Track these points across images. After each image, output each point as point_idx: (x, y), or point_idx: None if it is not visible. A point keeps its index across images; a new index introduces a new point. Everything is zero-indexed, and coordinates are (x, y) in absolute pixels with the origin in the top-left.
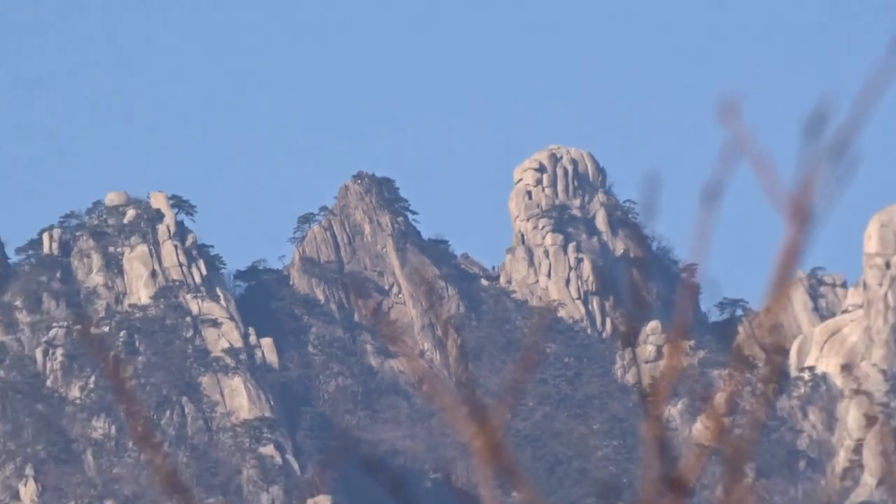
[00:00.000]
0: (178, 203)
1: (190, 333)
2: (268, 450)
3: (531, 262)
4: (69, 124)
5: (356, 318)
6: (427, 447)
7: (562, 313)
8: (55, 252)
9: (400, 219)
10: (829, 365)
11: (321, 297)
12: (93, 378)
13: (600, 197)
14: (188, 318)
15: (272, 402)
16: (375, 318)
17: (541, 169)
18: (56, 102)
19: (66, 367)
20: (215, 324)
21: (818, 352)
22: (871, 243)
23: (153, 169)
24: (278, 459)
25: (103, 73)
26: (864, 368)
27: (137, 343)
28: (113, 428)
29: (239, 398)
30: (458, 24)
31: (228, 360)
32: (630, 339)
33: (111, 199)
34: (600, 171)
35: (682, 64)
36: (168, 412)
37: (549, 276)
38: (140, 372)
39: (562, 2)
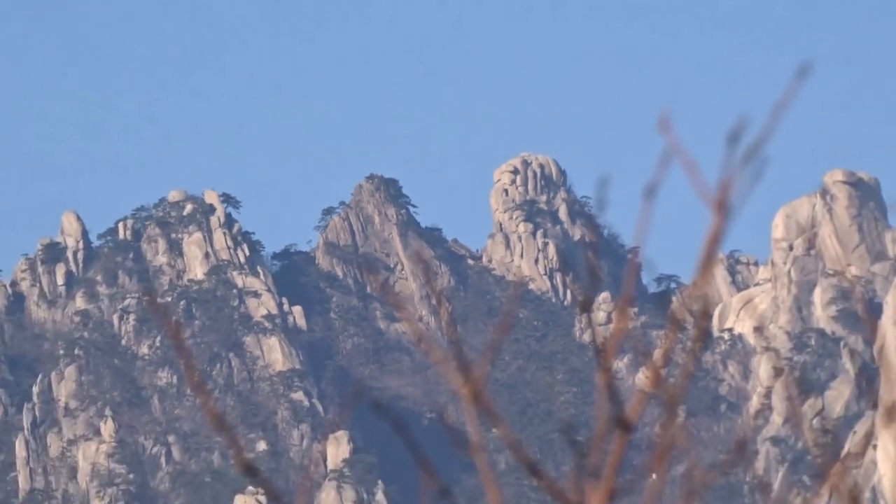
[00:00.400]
0: (227, 199)
1: (236, 303)
2: (298, 395)
3: (508, 246)
4: (139, 129)
5: (368, 290)
6: (424, 393)
7: (532, 286)
8: (129, 238)
9: (403, 211)
10: (744, 327)
11: (340, 273)
12: (158, 338)
13: (562, 194)
14: (234, 291)
15: (301, 357)
16: (383, 290)
17: (515, 171)
18: (127, 110)
19: (136, 330)
20: (256, 295)
21: (735, 316)
22: (777, 230)
23: (207, 169)
24: (306, 403)
25: (164, 85)
26: (772, 330)
27: (194, 310)
28: (174, 378)
29: (275, 354)
30: (450, 50)
31: (266, 323)
32: (586, 306)
33: (173, 196)
34: (562, 173)
35: (631, 80)
36: (218, 365)
37: (521, 256)
38: (196, 333)
39: (530, 32)
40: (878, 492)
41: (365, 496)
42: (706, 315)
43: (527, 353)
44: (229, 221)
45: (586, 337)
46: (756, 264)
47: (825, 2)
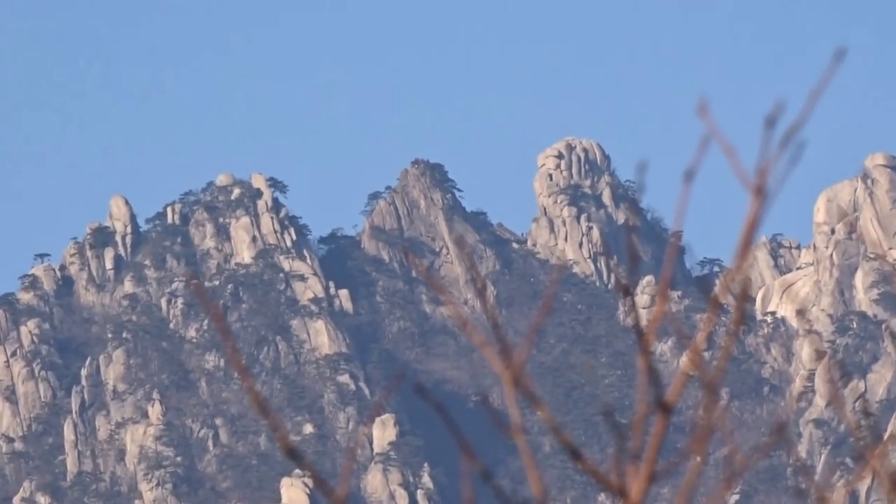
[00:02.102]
0: (274, 183)
1: (283, 286)
2: (344, 378)
3: (552, 230)
4: (188, 113)
5: (413, 273)
6: (470, 377)
7: (576, 270)
8: (177, 222)
9: (448, 195)
10: (786, 310)
11: (386, 257)
12: (205, 321)
13: (606, 178)
14: (281, 275)
15: (347, 341)
16: (428, 274)
17: (559, 156)
18: (175, 93)
19: (184, 313)
20: (303, 279)
21: (778, 300)
22: (819, 214)
23: (255, 153)
24: (352, 386)
25: (211, 68)
26: (815, 313)
27: (241, 294)
28: (221, 361)
29: (321, 337)
30: (502, 37)
31: (313, 307)
32: (628, 290)
33: (221, 180)
34: (606, 157)
35: (674, 68)
36: (265, 349)
37: (566, 240)
38: (243, 317)
39: (573, 18)
40: None
41: (411, 479)
42: (746, 298)
43: (571, 337)
44: (276, 206)
45: (629, 320)
46: (798, 248)
47: None
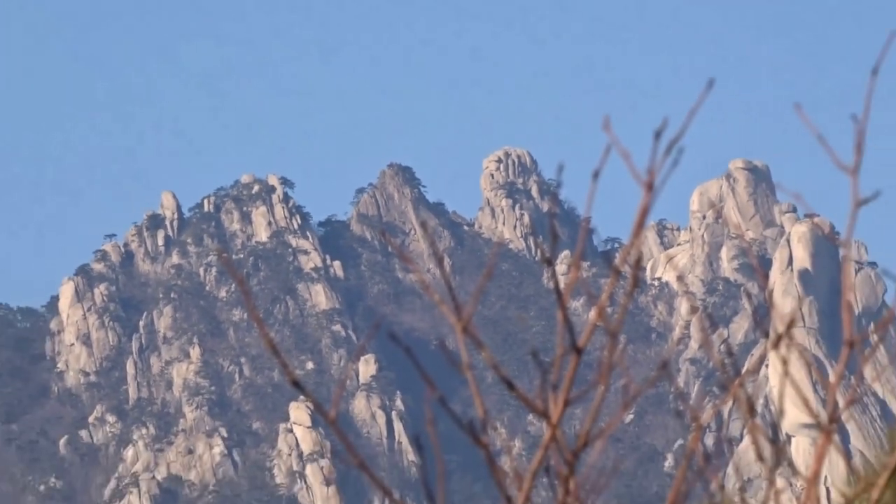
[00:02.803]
0: (284, 181)
1: (291, 258)
2: (337, 328)
3: (493, 216)
4: (217, 126)
5: (389, 249)
6: (431, 327)
7: (511, 246)
8: (211, 210)
9: (415, 190)
10: (669, 276)
11: (369, 236)
12: (232, 285)
13: (534, 178)
14: (290, 250)
15: (339, 299)
16: (400, 250)
17: (499, 160)
18: (208, 111)
19: (217, 279)
20: (306, 253)
21: (662, 268)
22: (694, 204)
23: (269, 156)
24: (343, 333)
25: (237, 90)
26: (690, 279)
27: (259, 264)
28: (244, 314)
29: (320, 297)
30: (452, 58)
31: (314, 274)
32: (550, 261)
33: (245, 178)
34: (534, 162)
35: (586, 90)
36: (278, 305)
37: (504, 224)
38: (261, 281)
39: (509, 53)
40: (768, 399)
41: (387, 403)
42: (639, 267)
43: (507, 297)
44: (286, 198)
45: (551, 284)
46: (678, 229)
47: (732, 26)
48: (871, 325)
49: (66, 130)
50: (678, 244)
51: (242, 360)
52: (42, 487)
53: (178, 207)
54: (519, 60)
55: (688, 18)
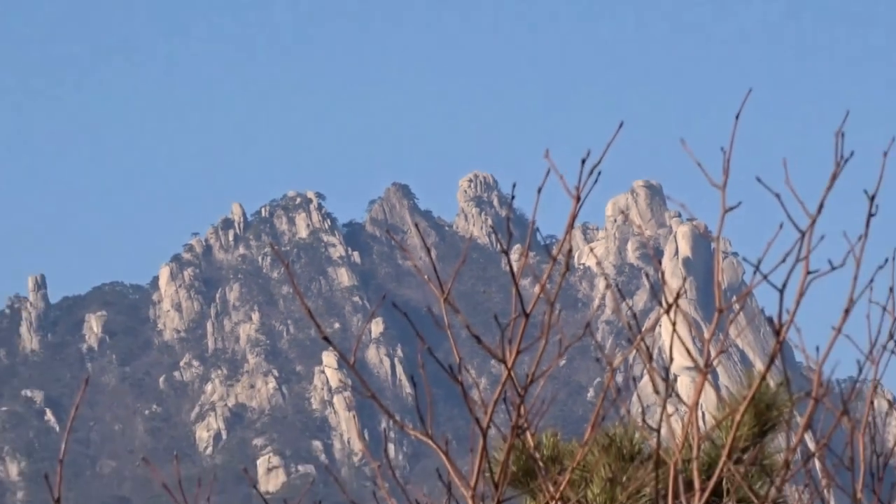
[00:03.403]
0: (319, 195)
1: (323, 250)
2: (356, 299)
3: (466, 220)
4: (269, 151)
5: (392, 243)
6: (423, 298)
7: (479, 241)
8: (266, 215)
9: (411, 201)
10: (591, 262)
11: (378, 234)
12: (282, 269)
13: (495, 193)
14: (322, 244)
15: (357, 279)
16: (400, 243)
17: (470, 180)
18: (262, 136)
19: (270, 265)
20: (333, 246)
21: (586, 257)
22: (608, 210)
23: (309, 174)
24: (360, 303)
25: (284, 118)
26: (605, 264)
27: (301, 255)
28: (290, 290)
29: (343, 277)
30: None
31: (339, 261)
32: (506, 252)
33: (290, 193)
34: (495, 181)
35: (538, 122)
36: (314, 283)
37: (474, 226)
38: (302, 267)
39: (470, 90)
40: (661, 349)
41: (391, 352)
42: (569, 255)
43: (476, 277)
44: (319, 206)
45: (507, 268)
46: (597, 229)
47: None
48: (734, 297)
49: (165, 147)
50: (597, 239)
51: (289, 321)
52: (147, 412)
53: (244, 213)
54: (487, 101)
55: (622, 65)
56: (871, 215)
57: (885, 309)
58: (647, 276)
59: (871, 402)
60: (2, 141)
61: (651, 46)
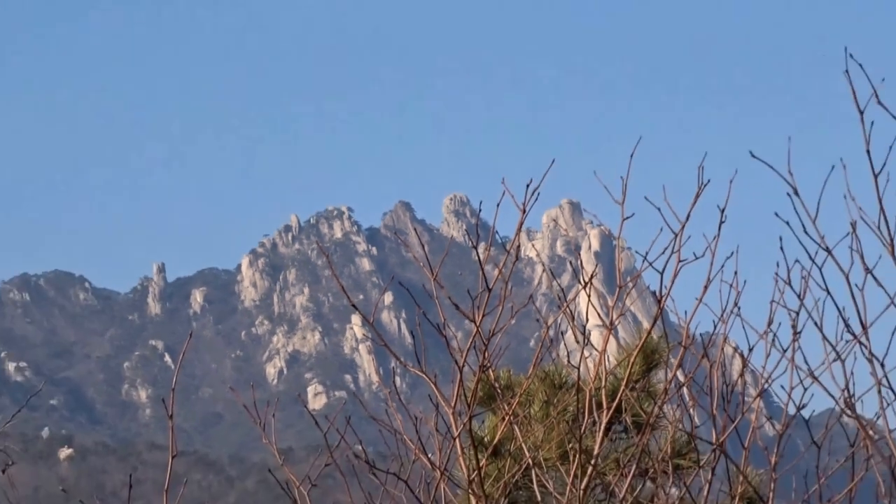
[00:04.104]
0: (349, 209)
1: (352, 246)
2: (374, 279)
3: (449, 226)
4: (309, 173)
5: (398, 241)
6: (419, 278)
7: (457, 241)
8: (313, 222)
9: (410, 213)
10: (532, 254)
11: (390, 235)
12: (324, 259)
13: (469, 208)
14: (352, 242)
15: (375, 266)
16: (402, 241)
17: (451, 199)
18: (307, 163)
19: (317, 256)
20: (360, 244)
21: (529, 250)
22: (544, 219)
23: (341, 193)
24: (377, 281)
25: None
26: (542, 256)
27: (337, 249)
28: (330, 273)
29: (366, 265)
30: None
31: (363, 254)
32: (476, 247)
33: (329, 207)
34: (468, 199)
35: (504, 150)
36: (346, 268)
37: (454, 230)
38: (338, 258)
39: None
40: (580, 313)
41: (398, 315)
42: (518, 250)
43: (455, 264)
44: (350, 216)
45: (476, 259)
46: (537, 231)
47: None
48: (629, 278)
49: (252, 171)
50: (536, 239)
51: (329, 294)
52: (232, 356)
53: (299, 221)
54: (462, 142)
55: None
56: (721, 222)
57: (731, 286)
58: (570, 263)
59: (722, 349)
60: (134, 154)
61: (568, 92)
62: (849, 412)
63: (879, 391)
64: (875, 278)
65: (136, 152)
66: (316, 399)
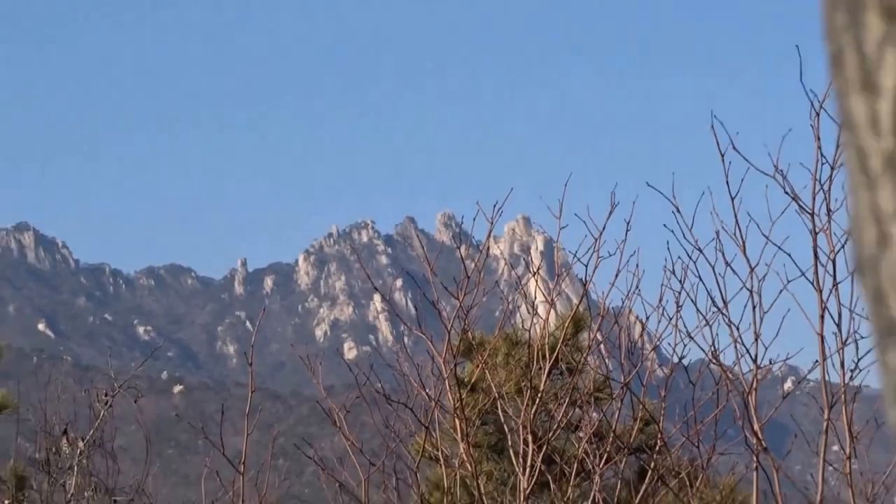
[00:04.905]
0: (372, 221)
1: (375, 248)
2: (389, 269)
3: (440, 233)
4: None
5: (406, 244)
6: (420, 270)
7: (446, 244)
8: (348, 231)
9: (415, 224)
10: (499, 252)
11: (401, 241)
12: (355, 256)
13: (454, 220)
14: (375, 245)
15: (390, 261)
16: (410, 244)
17: (443, 214)
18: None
19: (349, 253)
20: (380, 246)
21: (493, 247)
22: (505, 228)
23: (364, 208)
24: (391, 271)
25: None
26: (504, 254)
27: (363, 250)
28: (360, 266)
29: (383, 259)
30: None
31: (382, 253)
32: (458, 248)
33: (359, 220)
34: (454, 216)
35: (453, 175)
36: (369, 263)
37: (444, 236)
38: (364, 255)
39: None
40: (531, 292)
41: (407, 294)
42: (487, 250)
43: (446, 260)
44: (373, 227)
45: (459, 256)
46: (500, 236)
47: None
48: (565, 269)
49: (308, 185)
50: (500, 242)
51: (359, 280)
52: (292, 323)
53: (338, 230)
54: (451, 166)
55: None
56: (627, 231)
57: (633, 274)
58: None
59: (627, 318)
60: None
61: (517, 122)
62: (714, 361)
63: (735, 347)
64: (732, 269)
65: (231, 178)
66: (349, 352)
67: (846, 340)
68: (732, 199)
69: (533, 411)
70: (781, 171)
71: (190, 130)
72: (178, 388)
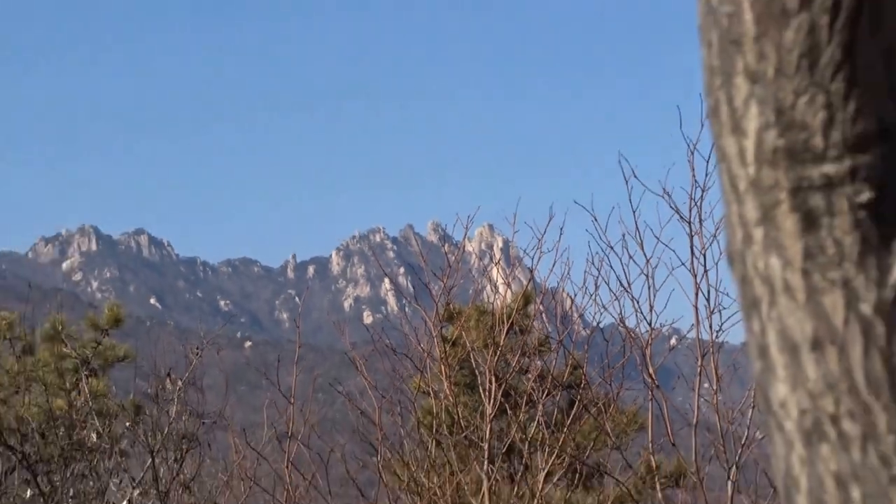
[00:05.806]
0: (385, 228)
1: (387, 248)
2: (396, 262)
3: (436, 244)
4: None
5: (409, 246)
6: (416, 264)
7: (432, 240)
8: (367, 234)
9: (414, 231)
10: (472, 250)
11: (405, 243)
12: (372, 255)
13: (440, 227)
14: (387, 247)
15: (398, 261)
16: (411, 248)
17: (432, 223)
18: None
19: (368, 252)
20: (389, 246)
21: (468, 245)
22: (476, 233)
23: (381, 217)
24: (398, 265)
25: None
26: (476, 252)
27: (378, 250)
28: (376, 262)
29: (391, 256)
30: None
31: (392, 252)
32: (444, 247)
33: (374, 226)
34: (441, 223)
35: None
36: (381, 259)
37: (437, 241)
38: (378, 255)
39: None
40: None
41: (408, 280)
42: (463, 247)
43: (435, 255)
44: (385, 233)
45: (445, 254)
46: (471, 239)
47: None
48: (516, 261)
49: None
50: (472, 242)
51: (373, 271)
52: (326, 299)
53: (358, 233)
54: (441, 182)
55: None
56: (560, 234)
57: (564, 264)
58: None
59: (562, 295)
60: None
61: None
62: (622, 325)
63: (636, 315)
64: (634, 261)
65: (284, 185)
66: (367, 319)
67: (713, 310)
68: (634, 212)
69: (495, 360)
70: (668, 192)
71: (255, 155)
72: (248, 344)
